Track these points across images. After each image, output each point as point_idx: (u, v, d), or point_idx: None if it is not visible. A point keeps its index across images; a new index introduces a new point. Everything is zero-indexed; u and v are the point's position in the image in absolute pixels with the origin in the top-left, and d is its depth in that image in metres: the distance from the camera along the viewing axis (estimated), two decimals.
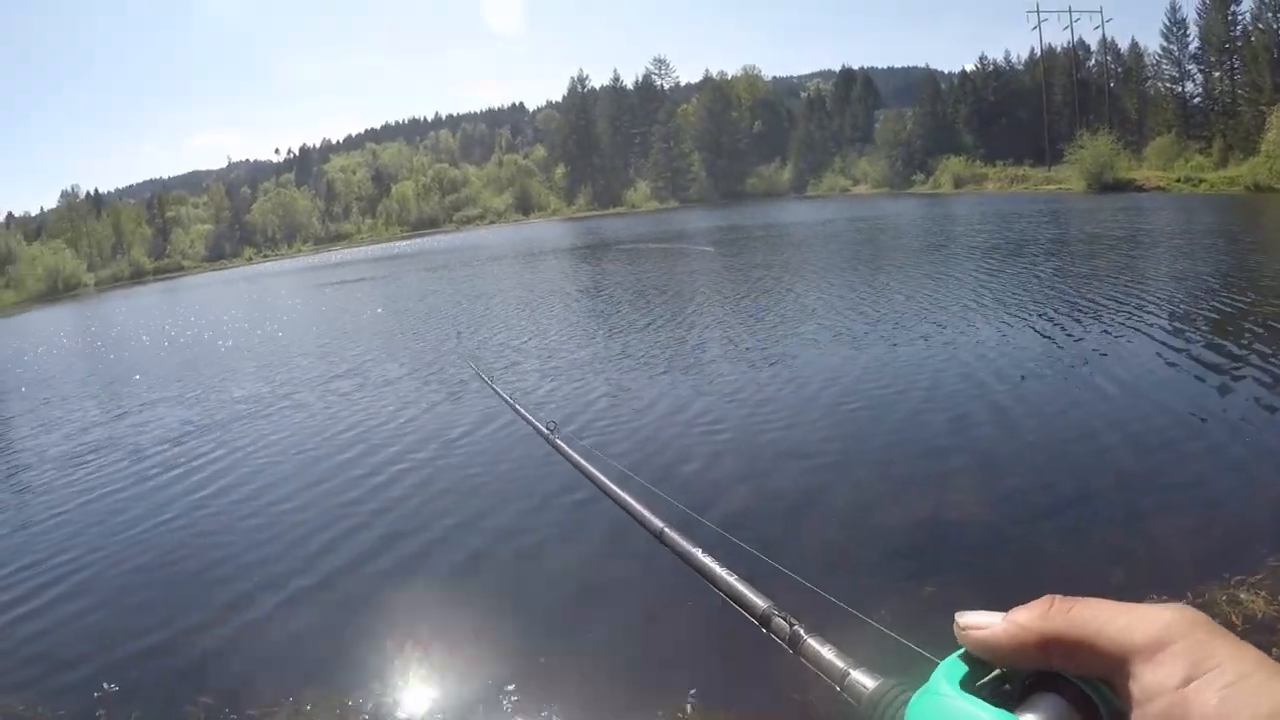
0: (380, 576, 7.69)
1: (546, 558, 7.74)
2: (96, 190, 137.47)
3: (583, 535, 7.99)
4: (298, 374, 18.74)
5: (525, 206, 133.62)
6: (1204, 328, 14.61)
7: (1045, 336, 14.69)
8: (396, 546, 8.29)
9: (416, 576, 7.64)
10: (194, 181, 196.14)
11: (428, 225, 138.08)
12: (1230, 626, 4.07)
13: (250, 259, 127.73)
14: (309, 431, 13.37)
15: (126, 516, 10.22)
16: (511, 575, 7.52)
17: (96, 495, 11.33)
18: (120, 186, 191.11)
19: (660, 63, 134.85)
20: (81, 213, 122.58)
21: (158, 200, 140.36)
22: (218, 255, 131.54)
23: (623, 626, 6.56)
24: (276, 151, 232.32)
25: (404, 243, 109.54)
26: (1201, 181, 55.85)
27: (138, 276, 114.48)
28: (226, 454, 12.59)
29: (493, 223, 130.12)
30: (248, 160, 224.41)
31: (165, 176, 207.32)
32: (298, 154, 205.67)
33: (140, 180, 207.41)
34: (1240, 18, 71.51)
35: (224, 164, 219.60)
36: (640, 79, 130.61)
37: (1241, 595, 5.92)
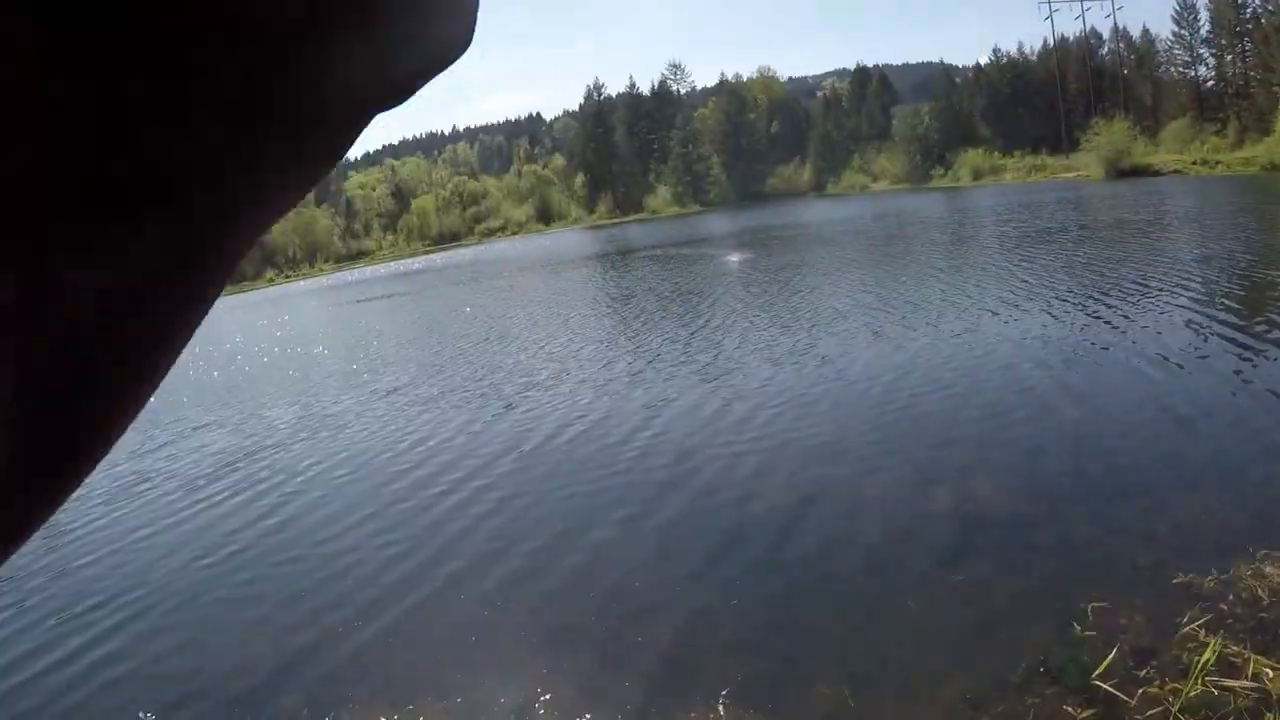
0: (462, 597, 7.39)
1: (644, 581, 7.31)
2: None
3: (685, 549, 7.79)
4: (342, 394, 18.24)
5: (546, 216, 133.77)
6: (1231, 305, 14.49)
7: (1071, 324, 14.63)
8: (474, 569, 7.90)
9: (500, 601, 7.24)
10: None
11: (449, 239, 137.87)
12: (1256, 600, 5.45)
13: (272, 280, 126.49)
14: (364, 453, 12.91)
15: (195, 547, 9.73)
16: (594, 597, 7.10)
17: (159, 527, 10.76)
18: None
19: (676, 68, 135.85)
20: None
21: None
22: (239, 278, 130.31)
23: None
24: None
25: (426, 258, 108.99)
26: (1218, 163, 56.11)
27: None
28: (286, 478, 12.14)
29: (514, 234, 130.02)
30: None
31: None
32: None
33: None
34: (1250, 1, 72.22)
35: None
36: (656, 85, 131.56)
37: (1267, 569, 5.94)
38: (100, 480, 13.10)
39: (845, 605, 6.40)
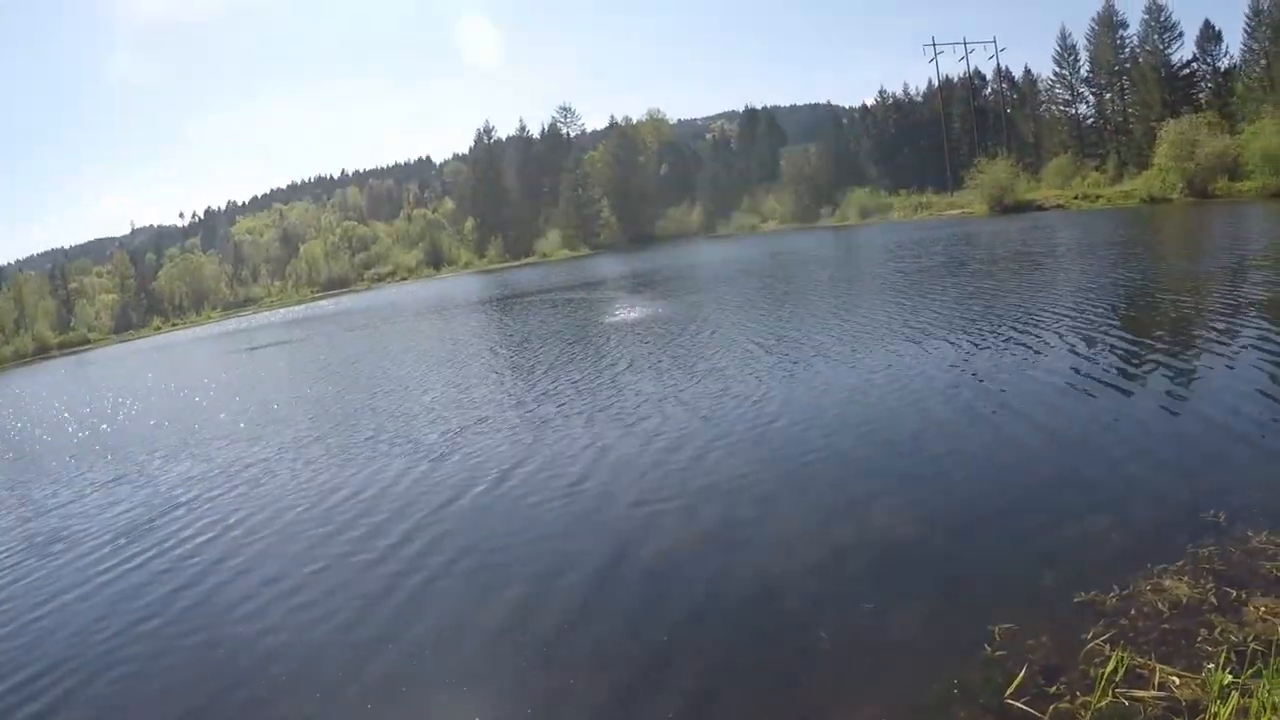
0: (380, 658, 7.08)
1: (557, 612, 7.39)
2: None
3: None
4: (249, 446, 17.07)
5: (436, 261, 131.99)
6: (1115, 333, 15.07)
7: (958, 354, 14.93)
8: (388, 628, 7.61)
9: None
10: (98, 250, 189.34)
11: (338, 285, 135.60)
12: (1158, 614, 5.66)
13: (159, 328, 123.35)
14: (271, 505, 12.35)
15: (100, 614, 9.06)
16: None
17: (64, 596, 9.92)
18: (20, 258, 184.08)
19: (566, 111, 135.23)
20: None
21: (60, 271, 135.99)
22: (125, 326, 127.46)
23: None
24: (181, 215, 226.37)
25: (315, 304, 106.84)
26: (1099, 197, 57.33)
27: (43, 352, 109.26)
28: (191, 535, 11.50)
29: (404, 279, 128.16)
30: (152, 226, 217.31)
31: (67, 246, 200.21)
32: (203, 217, 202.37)
33: (41, 251, 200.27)
34: (1128, 41, 74.96)
35: (128, 230, 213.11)
36: (546, 128, 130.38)
37: (1166, 583, 6.16)
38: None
39: (757, 638, 6.49)
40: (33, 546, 12.43)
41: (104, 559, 11.07)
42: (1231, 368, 11.72)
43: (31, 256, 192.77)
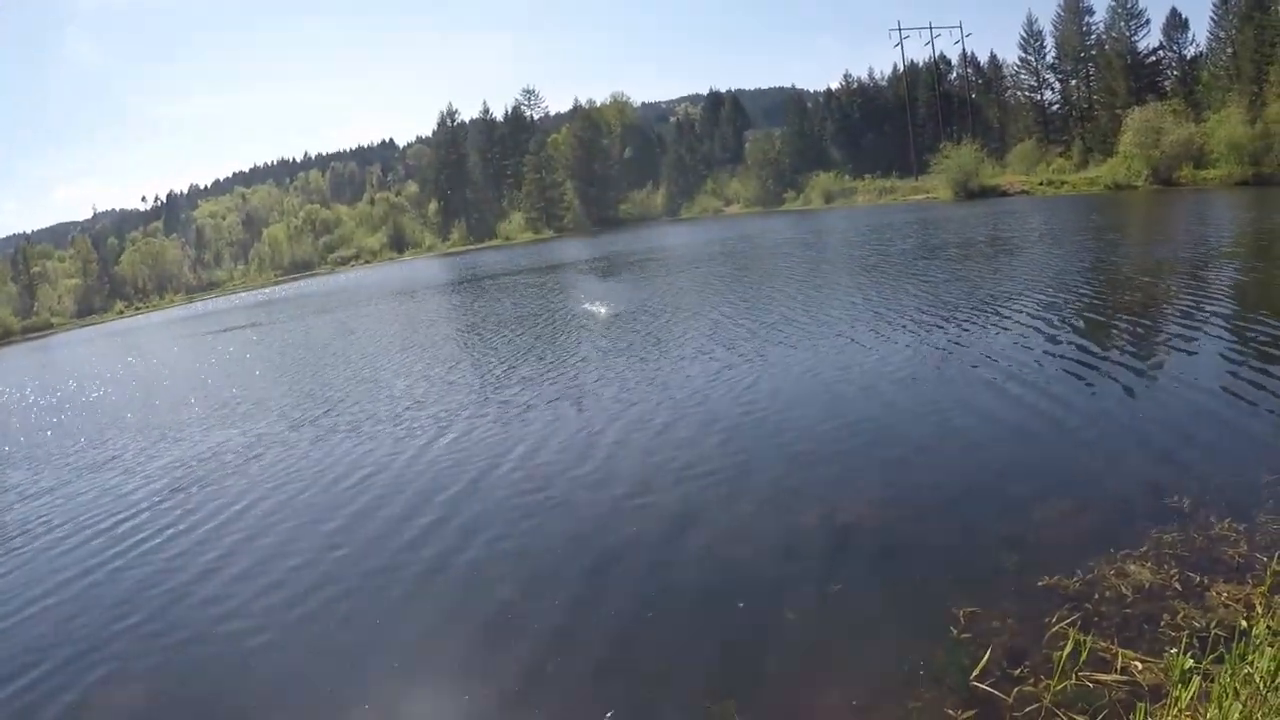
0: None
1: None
2: None
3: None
4: (222, 432, 16.56)
5: (400, 244, 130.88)
6: (1070, 320, 15.17)
7: (920, 341, 14.95)
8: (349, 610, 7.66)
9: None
10: (60, 234, 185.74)
11: (302, 268, 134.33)
12: (1120, 599, 5.89)
13: (121, 312, 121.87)
14: (263, 488, 12.00)
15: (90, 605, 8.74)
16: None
17: (61, 585, 9.47)
18: None
19: (529, 93, 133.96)
20: None
21: (22, 255, 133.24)
22: (87, 310, 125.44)
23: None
24: (144, 200, 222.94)
25: (278, 287, 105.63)
26: (1064, 183, 57.87)
27: (5, 336, 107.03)
28: (182, 523, 11.03)
29: (367, 262, 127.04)
30: (114, 210, 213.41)
31: (29, 231, 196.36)
32: (165, 201, 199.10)
33: (2, 236, 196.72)
34: (1094, 27, 75.60)
35: (90, 215, 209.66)
36: (510, 110, 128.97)
37: (1129, 568, 6.27)
38: None
39: (725, 622, 6.46)
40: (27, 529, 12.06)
41: (105, 546, 10.65)
42: (1195, 356, 11.85)
43: None
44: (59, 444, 18.72)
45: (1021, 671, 5.24)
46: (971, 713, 4.97)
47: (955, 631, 5.75)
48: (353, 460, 12.60)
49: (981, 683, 5.16)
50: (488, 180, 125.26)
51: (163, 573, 9.33)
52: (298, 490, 11.55)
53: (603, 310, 24.88)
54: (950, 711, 5.01)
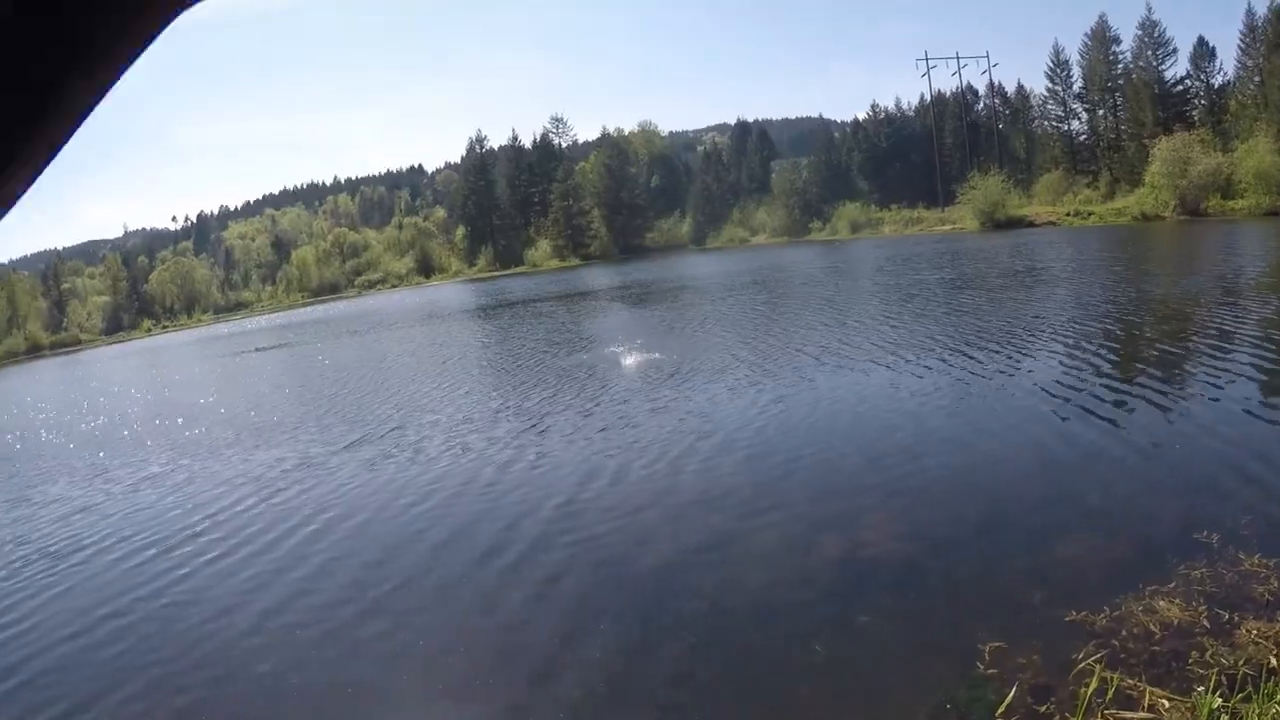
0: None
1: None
2: None
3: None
4: (271, 451, 16.57)
5: (426, 269, 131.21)
6: (1100, 352, 15.20)
7: (950, 374, 14.92)
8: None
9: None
10: (90, 251, 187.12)
11: (328, 291, 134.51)
12: (1148, 635, 5.79)
13: (149, 330, 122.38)
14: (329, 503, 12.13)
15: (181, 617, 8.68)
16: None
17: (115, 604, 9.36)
18: (13, 259, 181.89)
19: (558, 121, 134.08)
20: None
21: (53, 271, 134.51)
22: (116, 327, 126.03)
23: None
24: (174, 219, 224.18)
25: (305, 310, 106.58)
26: (1090, 214, 57.69)
27: (35, 351, 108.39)
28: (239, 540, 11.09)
29: (394, 286, 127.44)
30: (144, 228, 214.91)
31: (59, 247, 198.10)
32: (195, 221, 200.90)
33: (33, 252, 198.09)
34: (1121, 57, 74.98)
35: (120, 233, 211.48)
36: (538, 138, 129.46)
37: (1158, 604, 6.15)
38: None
39: (748, 654, 6.45)
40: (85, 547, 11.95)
41: (181, 561, 10.65)
42: (1225, 389, 11.75)
43: (24, 257, 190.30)
44: (107, 459, 18.77)
45: (1047, 708, 5.16)
46: None
47: (981, 667, 5.68)
48: (407, 482, 12.67)
49: (1007, 719, 5.08)
50: (515, 207, 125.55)
51: (254, 578, 9.55)
52: (348, 513, 11.57)
53: (636, 344, 24.67)
54: None
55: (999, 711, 5.14)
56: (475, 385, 21.11)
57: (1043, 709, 5.17)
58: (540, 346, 26.96)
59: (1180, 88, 70.41)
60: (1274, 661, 5.31)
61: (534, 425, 15.14)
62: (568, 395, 17.57)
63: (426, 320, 46.93)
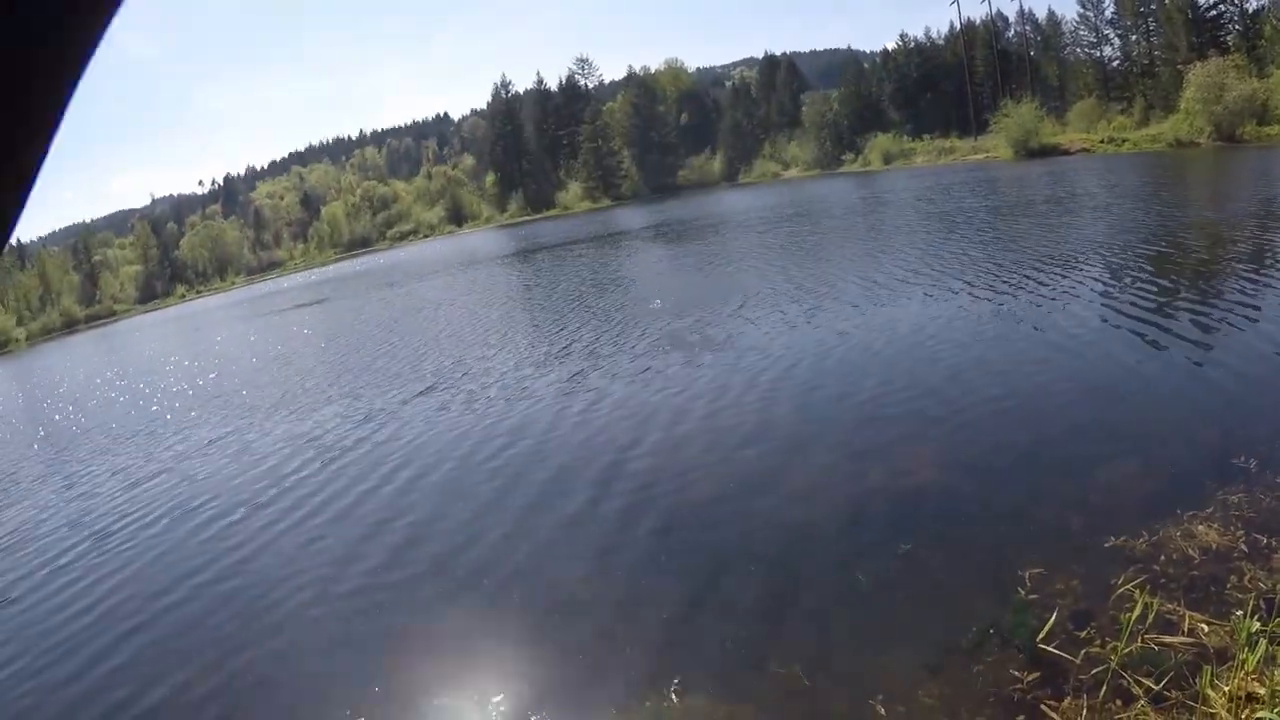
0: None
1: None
2: (19, 240, 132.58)
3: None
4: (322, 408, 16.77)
5: (458, 218, 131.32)
6: (1137, 281, 15.01)
7: (990, 301, 15.01)
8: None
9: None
10: (119, 222, 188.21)
11: (360, 245, 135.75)
12: (1187, 560, 5.86)
13: (184, 296, 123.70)
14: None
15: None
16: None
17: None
18: (42, 235, 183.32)
19: (583, 62, 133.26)
20: (5, 266, 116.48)
21: (83, 244, 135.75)
22: (150, 296, 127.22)
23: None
24: (200, 184, 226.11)
25: (339, 265, 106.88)
26: (1125, 141, 56.81)
27: (70, 326, 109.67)
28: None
29: (426, 237, 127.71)
30: (171, 195, 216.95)
31: (88, 220, 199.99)
32: (222, 184, 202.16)
33: (63, 226, 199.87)
34: None
35: (148, 201, 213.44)
36: (564, 80, 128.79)
37: (1196, 529, 6.22)
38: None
39: (793, 583, 6.64)
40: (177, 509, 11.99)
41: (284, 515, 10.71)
42: (1260, 316, 11.68)
43: (54, 232, 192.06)
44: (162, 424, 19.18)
45: (1088, 633, 5.26)
46: (1037, 675, 5.03)
47: (1022, 593, 5.82)
48: (477, 430, 12.67)
49: (1048, 645, 5.15)
50: (544, 151, 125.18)
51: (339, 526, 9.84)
52: (432, 465, 11.50)
53: (678, 282, 25.21)
54: (1016, 673, 5.07)
55: (1041, 636, 5.19)
56: (523, 330, 21.34)
57: (1083, 634, 5.27)
58: (582, 288, 27.17)
59: (1214, 12, 68.89)
60: None
61: (586, 367, 15.32)
62: (614, 336, 17.72)
63: (465, 268, 47.11)
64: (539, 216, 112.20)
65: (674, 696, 5.45)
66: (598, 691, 5.73)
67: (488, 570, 7.87)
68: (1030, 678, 5.01)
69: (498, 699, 5.85)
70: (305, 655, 7.00)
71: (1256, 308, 12.04)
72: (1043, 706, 4.80)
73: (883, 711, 5.00)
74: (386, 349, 22.54)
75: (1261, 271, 14.38)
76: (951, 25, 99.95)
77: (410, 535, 9.08)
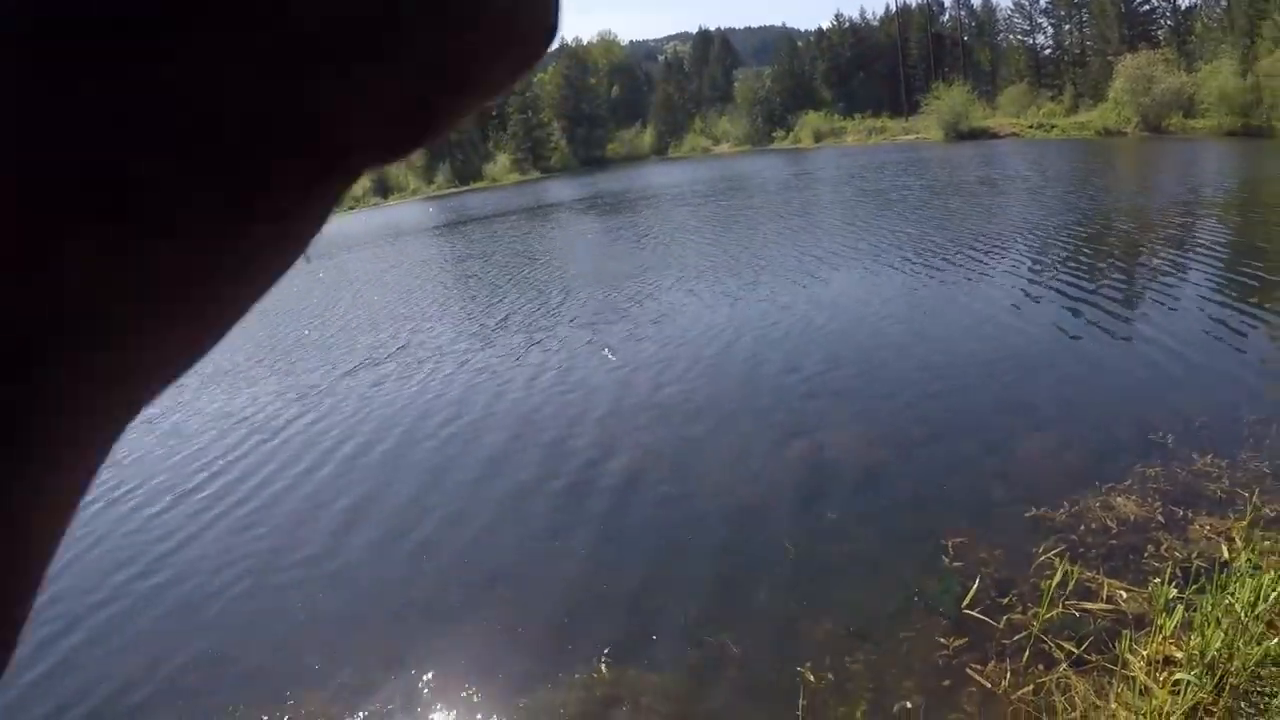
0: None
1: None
2: None
3: None
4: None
5: (383, 189, 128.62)
6: (1066, 261, 15.43)
7: (910, 280, 15.21)
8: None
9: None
10: None
11: None
12: (1106, 530, 6.14)
13: None
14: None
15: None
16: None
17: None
18: None
19: None
20: None
21: None
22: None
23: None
24: None
25: None
26: (1054, 128, 58.35)
27: None
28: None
29: (351, 209, 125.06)
30: None
31: None
32: None
33: None
34: None
35: None
36: None
37: (1115, 501, 6.44)
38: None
39: (719, 555, 6.56)
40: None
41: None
42: (1181, 298, 12.12)
43: None
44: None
45: (1011, 600, 5.40)
46: (963, 640, 5.11)
47: (946, 561, 5.91)
48: (416, 404, 12.07)
49: (973, 611, 5.32)
50: (472, 121, 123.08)
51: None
52: (371, 441, 10.82)
53: (608, 256, 24.62)
54: (942, 639, 5.14)
55: (965, 603, 5.37)
56: (458, 301, 20.64)
57: (1006, 600, 5.41)
58: (517, 260, 26.50)
59: (1146, 6, 71.24)
60: (1225, 554, 5.58)
61: (525, 340, 14.75)
62: (551, 309, 17.23)
63: (394, 240, 45.16)
64: (466, 188, 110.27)
65: (604, 669, 5.37)
66: (532, 665, 5.56)
67: (427, 552, 7.42)
68: (956, 643, 5.11)
69: (428, 676, 5.67)
70: (242, 648, 6.49)
71: (1179, 290, 12.48)
72: (968, 670, 4.90)
73: (812, 678, 5.01)
74: (316, 322, 21.17)
75: (1185, 256, 14.83)
76: (887, 7, 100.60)
77: (346, 520, 8.40)
